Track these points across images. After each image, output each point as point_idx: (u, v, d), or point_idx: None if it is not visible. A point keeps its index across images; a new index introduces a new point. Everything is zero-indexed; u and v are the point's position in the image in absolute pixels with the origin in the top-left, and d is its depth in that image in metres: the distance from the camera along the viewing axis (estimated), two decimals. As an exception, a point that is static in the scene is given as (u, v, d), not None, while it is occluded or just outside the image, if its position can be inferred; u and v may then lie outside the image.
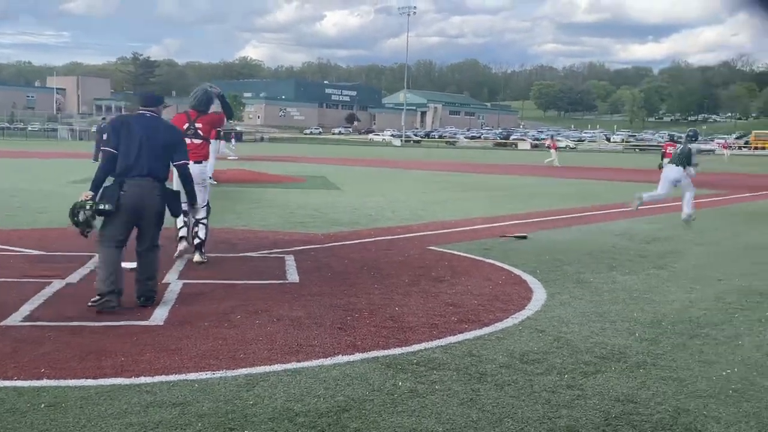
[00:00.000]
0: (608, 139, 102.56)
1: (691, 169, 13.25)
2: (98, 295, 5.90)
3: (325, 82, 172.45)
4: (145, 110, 6.38)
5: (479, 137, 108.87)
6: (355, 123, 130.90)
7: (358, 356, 4.90)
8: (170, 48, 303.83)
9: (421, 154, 57.73)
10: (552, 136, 64.30)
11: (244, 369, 4.58)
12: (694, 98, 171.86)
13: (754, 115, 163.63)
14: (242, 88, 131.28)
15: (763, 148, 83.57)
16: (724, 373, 4.72)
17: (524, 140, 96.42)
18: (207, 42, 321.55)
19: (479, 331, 5.62)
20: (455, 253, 9.41)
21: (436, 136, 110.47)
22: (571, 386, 4.44)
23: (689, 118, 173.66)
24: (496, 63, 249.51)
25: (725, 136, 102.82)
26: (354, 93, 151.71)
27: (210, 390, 4.21)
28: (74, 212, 5.94)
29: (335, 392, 4.23)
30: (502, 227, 12.01)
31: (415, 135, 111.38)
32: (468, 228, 12.13)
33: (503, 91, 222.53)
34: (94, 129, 48.60)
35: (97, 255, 6.24)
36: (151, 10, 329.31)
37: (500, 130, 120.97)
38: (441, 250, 9.66)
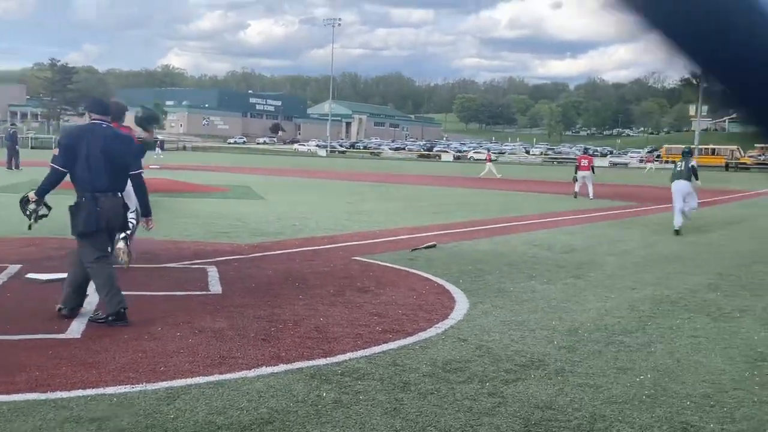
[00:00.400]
0: (527, 152, 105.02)
1: (698, 182, 14.77)
2: (111, 314, 5.75)
3: (249, 91, 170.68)
4: (99, 119, 6.09)
5: (403, 148, 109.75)
6: (280, 133, 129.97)
7: (282, 367, 4.88)
8: (90, 54, 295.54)
9: (346, 165, 57.78)
10: (489, 150, 65.79)
11: (164, 382, 4.49)
12: (609, 113, 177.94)
13: (665, 130, 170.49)
14: (164, 96, 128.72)
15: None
16: (637, 379, 4.90)
17: (447, 152, 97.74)
18: (128, 49, 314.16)
19: (403, 340, 5.67)
20: (380, 263, 9.46)
21: (361, 147, 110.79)
22: (493, 394, 4.52)
23: (604, 133, 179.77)
24: (419, 76, 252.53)
25: (639, 150, 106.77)
26: (279, 103, 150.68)
27: (129, 404, 4.12)
28: (21, 204, 6.20)
29: (258, 404, 4.20)
30: (427, 237, 12.14)
31: (341, 145, 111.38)
32: (393, 238, 12.21)
33: (427, 103, 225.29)
34: (3, 136, 46.85)
35: (92, 278, 5.96)
36: (69, 15, 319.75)
37: (424, 142, 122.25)
38: (366, 260, 9.70)
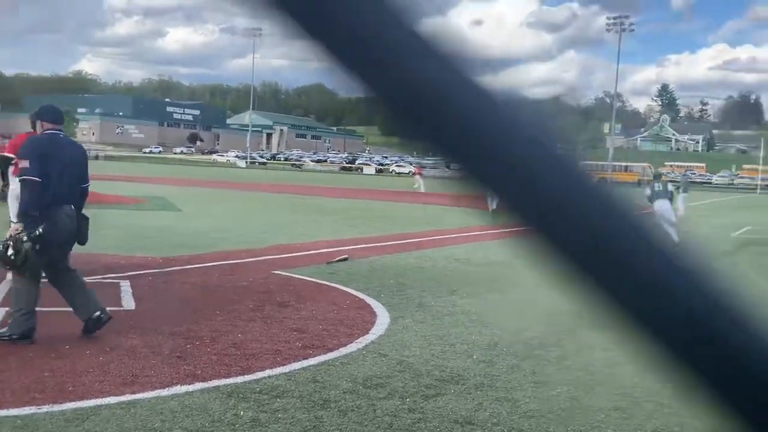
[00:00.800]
0: (448, 166, 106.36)
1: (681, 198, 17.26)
2: (95, 316, 5.61)
3: (166, 100, 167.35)
4: (54, 128, 5.82)
5: (325, 161, 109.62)
6: (198, 143, 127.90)
7: (198, 386, 4.73)
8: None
9: (267, 176, 57.26)
10: (419, 163, 66.29)
11: (73, 402, 4.29)
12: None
13: (580, 147, 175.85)
14: (76, 102, 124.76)
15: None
16: (554, 393, 4.98)
17: (369, 165, 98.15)
18: (39, 53, 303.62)
19: (324, 356, 5.60)
20: (300, 277, 9.36)
21: (282, 159, 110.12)
22: (413, 410, 4.51)
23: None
24: (341, 88, 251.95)
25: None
26: (197, 112, 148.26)
27: (34, 426, 3.91)
28: (9, 248, 5.31)
29: (173, 424, 4.06)
30: (349, 250, 12.10)
31: (261, 157, 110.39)
32: (314, 251, 12.12)
33: (349, 115, 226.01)
34: None
35: (14, 289, 5.66)
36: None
37: (346, 155, 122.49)
38: (286, 274, 9.58)
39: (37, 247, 5.35)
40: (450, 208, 26.90)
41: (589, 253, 0.43)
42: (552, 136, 0.45)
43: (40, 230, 5.36)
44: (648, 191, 16.71)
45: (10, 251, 5.32)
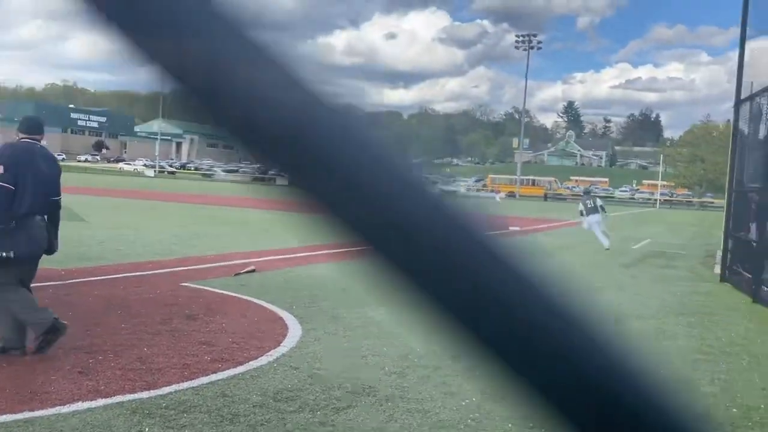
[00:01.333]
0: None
1: (606, 214, 20.16)
2: (44, 333, 5.45)
3: (70, 106, 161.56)
4: (31, 138, 5.71)
5: (237, 171, 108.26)
6: (104, 151, 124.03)
7: (100, 402, 4.57)
8: None
9: (176, 186, 56.05)
10: None
11: (-37, 423, 4.06)
12: (439, 143, 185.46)
13: (490, 160, 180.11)
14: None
15: (498, 191, 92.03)
16: (463, 403, 5.04)
17: (282, 175, 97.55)
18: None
19: (233, 370, 5.50)
20: (210, 289, 9.18)
21: (193, 168, 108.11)
22: (323, 423, 4.48)
23: (435, 161, 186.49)
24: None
25: (466, 179, 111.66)
26: (104, 119, 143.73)
27: None
28: None
29: (73, 444, 3.90)
30: (261, 262, 11.95)
31: (170, 166, 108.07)
32: (225, 263, 11.91)
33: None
34: None
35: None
36: None
37: (259, 165, 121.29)
38: (195, 286, 9.38)
39: (12, 255, 5.32)
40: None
41: (425, 268, 0.43)
42: (386, 147, 0.44)
43: (9, 254, 5.30)
44: (581, 207, 20.01)
45: None
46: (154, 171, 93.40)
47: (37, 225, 5.50)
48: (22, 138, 5.70)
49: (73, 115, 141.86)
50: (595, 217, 19.36)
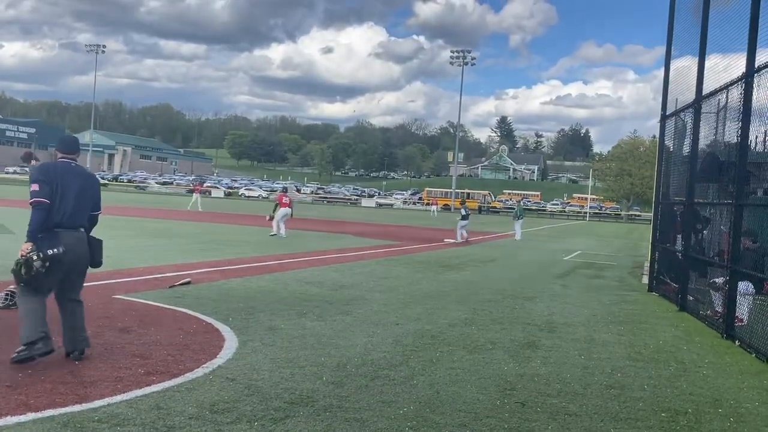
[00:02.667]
0: (299, 190, 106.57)
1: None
2: (25, 344, 5.65)
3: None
4: (68, 157, 6.16)
5: (171, 183, 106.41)
6: (33, 162, 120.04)
7: (30, 416, 4.44)
8: None
9: (108, 199, 54.74)
10: (200, 181, 65.74)
11: None
12: (376, 156, 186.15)
13: (426, 174, 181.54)
14: None
15: (435, 204, 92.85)
16: (401, 412, 5.08)
17: (218, 188, 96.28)
18: None
19: (168, 382, 5.42)
20: (144, 301, 9.01)
21: (125, 180, 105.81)
22: (262, 433, 4.45)
23: (371, 174, 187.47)
24: (190, 109, 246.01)
25: (403, 192, 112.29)
26: (33, 130, 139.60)
27: None
28: (23, 267, 5.66)
29: (1, 460, 3.78)
30: (196, 274, 11.78)
31: (102, 178, 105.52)
32: (159, 275, 11.70)
33: (197, 137, 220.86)
34: None
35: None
36: None
37: (194, 177, 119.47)
38: (128, 298, 9.19)
39: (47, 265, 5.68)
40: (300, 232, 26.88)
41: None
42: None
43: (56, 250, 5.73)
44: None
45: (23, 269, 5.68)
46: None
47: (76, 236, 5.98)
48: (60, 157, 6.14)
49: (1, 126, 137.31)
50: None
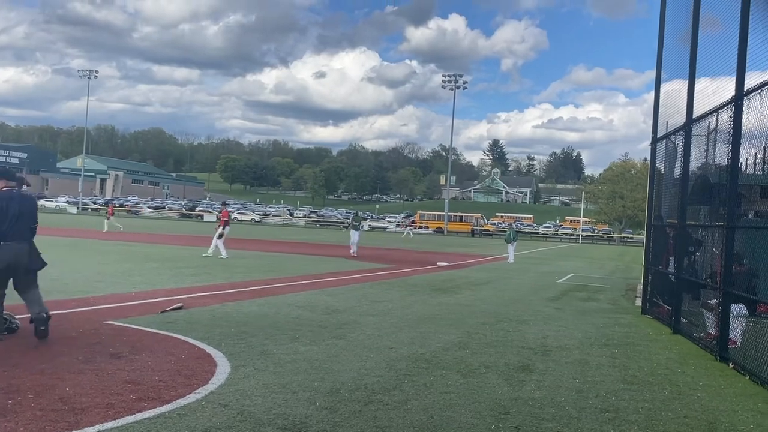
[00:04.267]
0: (291, 214, 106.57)
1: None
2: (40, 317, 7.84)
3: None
4: (9, 185, 8.02)
5: (164, 207, 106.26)
6: (25, 187, 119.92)
7: (19, 445, 4.38)
8: None
9: (100, 223, 54.58)
10: (109, 202, 65.96)
11: None
12: (368, 179, 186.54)
13: (419, 197, 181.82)
14: None
15: (427, 227, 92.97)
16: (395, 436, 5.04)
17: (210, 212, 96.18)
18: None
19: (160, 408, 5.37)
20: (136, 327, 8.95)
21: (117, 205, 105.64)
22: (255, 460, 4.40)
23: (364, 197, 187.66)
24: (182, 134, 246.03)
25: (395, 215, 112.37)
26: (24, 155, 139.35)
27: None
28: None
29: (-11, 489, 3.72)
30: (188, 299, 11.72)
31: (94, 202, 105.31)
32: (150, 300, 11.64)
33: (190, 162, 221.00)
34: None
35: None
36: None
37: (186, 201, 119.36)
38: (120, 324, 9.13)
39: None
40: (293, 256, 26.83)
41: None
42: None
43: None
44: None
45: None
46: (77, 208, 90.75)
47: (15, 246, 7.73)
48: (2, 186, 7.94)
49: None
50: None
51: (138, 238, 34.77)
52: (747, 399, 6.98)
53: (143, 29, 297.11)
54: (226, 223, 24.12)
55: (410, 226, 79.77)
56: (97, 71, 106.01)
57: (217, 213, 23.38)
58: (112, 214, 43.63)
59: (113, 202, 77.35)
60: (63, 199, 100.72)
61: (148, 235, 38.20)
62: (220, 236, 23.48)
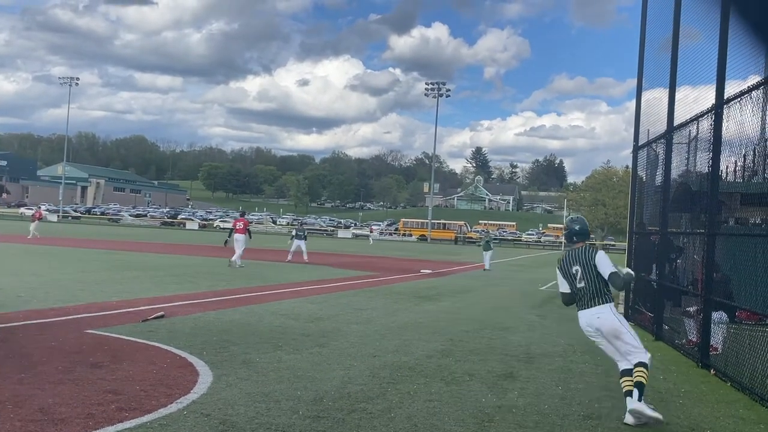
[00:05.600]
0: (274, 222, 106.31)
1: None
2: None
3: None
4: None
5: (145, 215, 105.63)
6: (4, 195, 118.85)
7: (-3, 457, 4.32)
8: None
9: (82, 231, 54.16)
10: (39, 207, 64.78)
11: None
12: (352, 187, 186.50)
13: (402, 205, 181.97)
14: None
15: (410, 235, 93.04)
16: (379, 445, 5.02)
17: (192, 220, 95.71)
18: None
19: (141, 418, 5.31)
20: (116, 336, 8.87)
21: (99, 213, 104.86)
22: (237, 470, 4.36)
23: (348, 205, 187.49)
24: (164, 141, 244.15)
25: (379, 223, 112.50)
26: (4, 163, 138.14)
27: None
28: None
29: (-33, 502, 3.66)
30: (170, 308, 11.64)
31: (75, 210, 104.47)
32: (132, 309, 11.54)
33: (172, 169, 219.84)
34: None
35: None
36: None
37: (168, 209, 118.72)
38: (101, 333, 9.04)
39: None
40: (275, 264, 26.72)
41: None
42: None
43: None
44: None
45: None
46: (58, 216, 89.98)
47: None
48: None
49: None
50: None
51: (120, 246, 34.51)
52: (728, 405, 7.02)
53: (125, 37, 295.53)
54: (247, 231, 24.27)
55: (371, 233, 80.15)
56: (78, 78, 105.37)
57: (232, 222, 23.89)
58: (39, 218, 41.27)
59: (41, 207, 75.33)
60: (43, 207, 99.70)
61: (129, 243, 37.92)
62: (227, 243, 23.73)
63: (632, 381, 6.15)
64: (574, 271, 6.40)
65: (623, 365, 6.27)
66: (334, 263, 29.33)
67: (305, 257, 28.61)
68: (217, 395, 6.19)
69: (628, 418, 5.89)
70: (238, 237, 23.87)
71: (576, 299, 6.43)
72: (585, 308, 6.34)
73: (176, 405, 5.77)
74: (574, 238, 6.57)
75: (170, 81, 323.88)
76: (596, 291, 6.27)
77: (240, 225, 24.29)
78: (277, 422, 5.45)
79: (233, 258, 23.40)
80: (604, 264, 6.29)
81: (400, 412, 5.98)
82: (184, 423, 5.29)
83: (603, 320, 6.25)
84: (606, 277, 6.19)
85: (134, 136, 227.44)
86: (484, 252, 32.69)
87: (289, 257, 28.78)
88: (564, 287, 6.53)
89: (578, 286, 6.38)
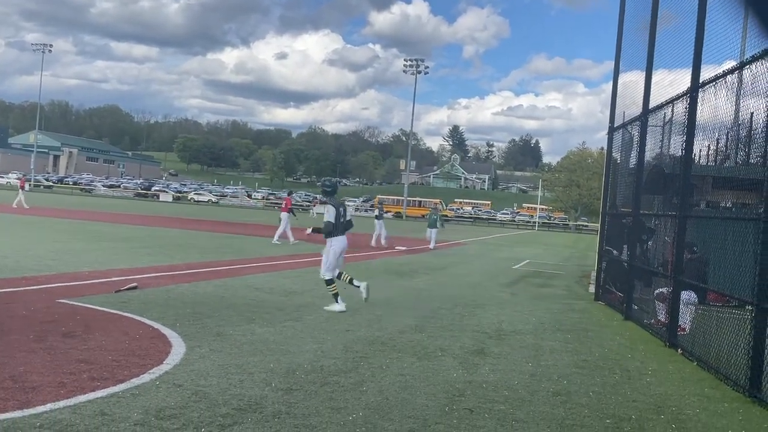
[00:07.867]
0: (249, 196, 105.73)
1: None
2: None
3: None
4: None
5: (119, 186, 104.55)
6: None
7: (-33, 423, 4.30)
8: None
9: (53, 201, 53.53)
10: (24, 175, 63.77)
11: None
12: (328, 162, 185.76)
13: (378, 181, 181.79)
14: None
15: (388, 212, 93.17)
16: (350, 418, 5.07)
17: (166, 192, 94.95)
18: None
19: (113, 388, 5.31)
20: (89, 306, 8.82)
21: (71, 183, 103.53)
22: (209, 440, 4.39)
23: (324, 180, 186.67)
24: (139, 112, 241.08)
25: (354, 199, 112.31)
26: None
27: None
28: None
29: (-64, 467, 3.65)
30: (143, 279, 11.58)
31: (47, 180, 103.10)
32: (105, 280, 11.47)
33: (146, 140, 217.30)
34: None
35: None
36: None
37: (141, 181, 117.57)
38: (73, 303, 8.99)
39: None
40: (250, 238, 26.64)
41: None
42: None
43: None
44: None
45: None
46: (29, 184, 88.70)
47: None
48: None
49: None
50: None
51: (93, 216, 34.16)
52: (694, 384, 7.17)
53: (102, 4, 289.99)
54: (290, 211, 24.86)
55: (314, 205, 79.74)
56: (51, 45, 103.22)
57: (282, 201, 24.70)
58: (23, 188, 40.01)
59: (24, 175, 73.64)
60: (14, 176, 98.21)
61: (102, 214, 37.54)
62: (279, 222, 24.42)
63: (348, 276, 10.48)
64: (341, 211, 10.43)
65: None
66: (310, 239, 29.29)
67: (383, 241, 27.88)
68: (189, 366, 6.20)
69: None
70: (282, 215, 24.56)
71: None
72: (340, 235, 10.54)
73: (148, 375, 5.78)
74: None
75: (146, 51, 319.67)
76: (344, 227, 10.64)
77: (283, 204, 25.36)
78: (250, 394, 5.48)
79: (278, 236, 24.06)
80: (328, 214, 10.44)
81: (372, 386, 6.03)
82: (156, 393, 5.30)
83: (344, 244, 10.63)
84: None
85: (108, 106, 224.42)
86: (428, 228, 29.63)
87: (383, 242, 27.74)
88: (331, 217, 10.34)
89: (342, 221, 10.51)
